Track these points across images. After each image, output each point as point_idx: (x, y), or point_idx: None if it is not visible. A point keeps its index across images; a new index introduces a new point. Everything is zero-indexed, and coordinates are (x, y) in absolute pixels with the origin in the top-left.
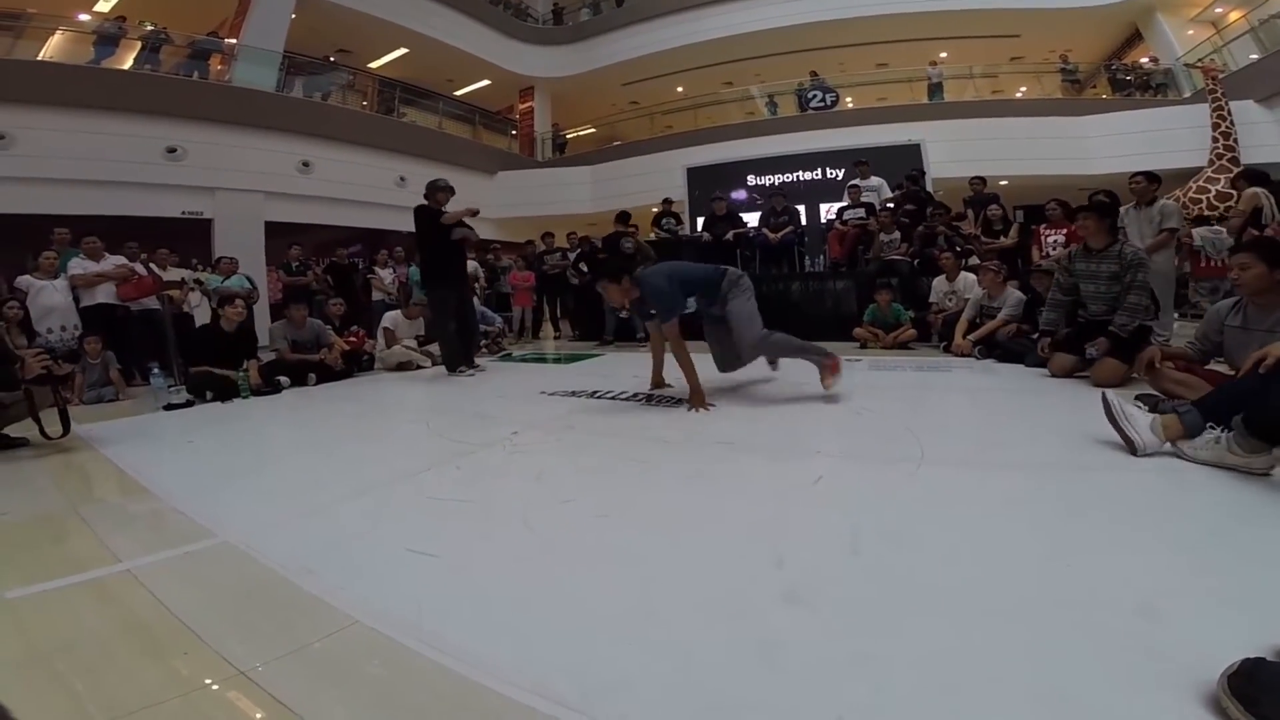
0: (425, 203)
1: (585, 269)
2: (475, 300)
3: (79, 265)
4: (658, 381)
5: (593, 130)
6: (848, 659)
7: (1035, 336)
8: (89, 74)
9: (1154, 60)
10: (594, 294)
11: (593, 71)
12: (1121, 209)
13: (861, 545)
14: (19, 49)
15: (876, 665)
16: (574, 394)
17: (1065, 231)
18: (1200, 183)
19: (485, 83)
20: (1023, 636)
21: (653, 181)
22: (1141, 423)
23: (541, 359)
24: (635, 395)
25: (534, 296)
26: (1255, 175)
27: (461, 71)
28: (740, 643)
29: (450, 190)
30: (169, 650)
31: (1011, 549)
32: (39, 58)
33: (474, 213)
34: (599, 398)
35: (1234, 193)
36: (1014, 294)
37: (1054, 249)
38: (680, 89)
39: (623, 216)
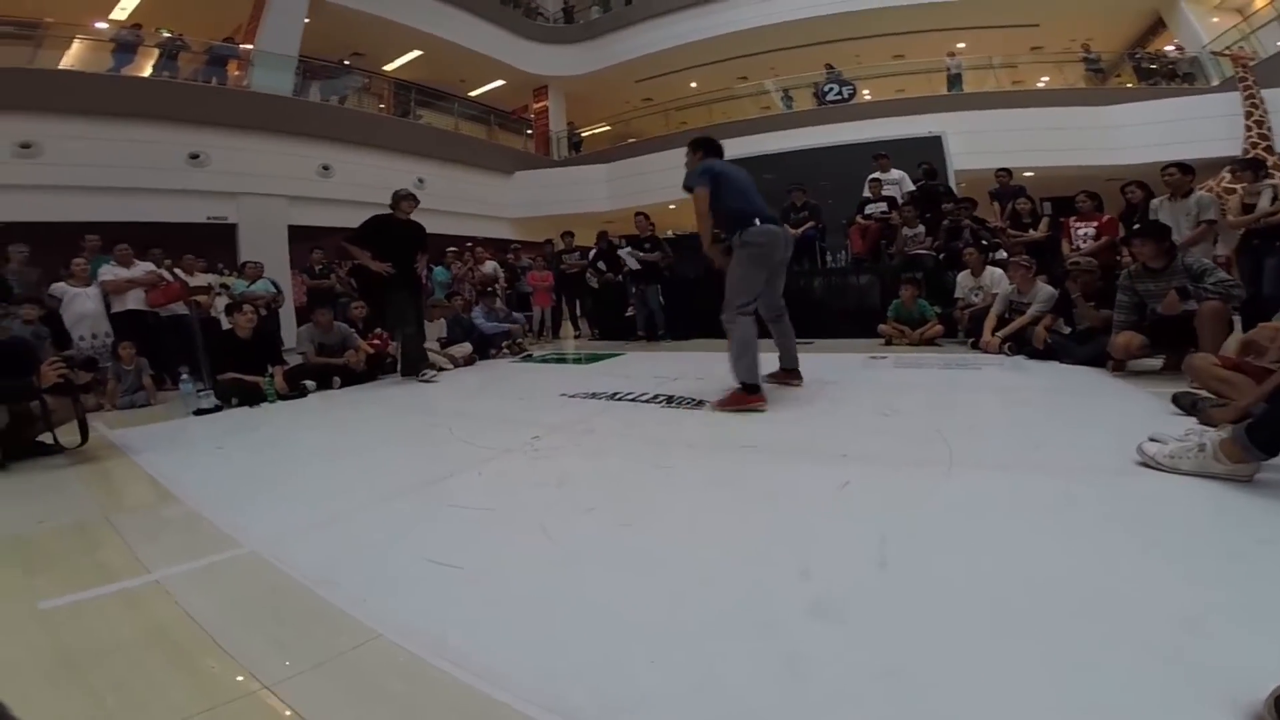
0: (390, 211)
1: (605, 268)
2: (498, 300)
3: (110, 271)
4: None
5: (607, 128)
6: (875, 673)
7: (1068, 333)
8: (110, 81)
9: (1179, 49)
10: (613, 293)
11: (605, 69)
12: (1154, 201)
13: (890, 554)
14: (40, 58)
15: (904, 680)
16: (594, 396)
17: (1096, 224)
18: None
19: (499, 83)
20: (1055, 651)
21: (670, 178)
22: (1189, 461)
23: (562, 359)
24: (656, 397)
25: (553, 296)
26: (1254, 164)
27: (475, 72)
28: (765, 656)
29: (414, 200)
30: (196, 663)
31: (1044, 559)
32: (59, 67)
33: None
34: (619, 399)
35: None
36: (1044, 289)
37: (1084, 241)
38: (694, 84)
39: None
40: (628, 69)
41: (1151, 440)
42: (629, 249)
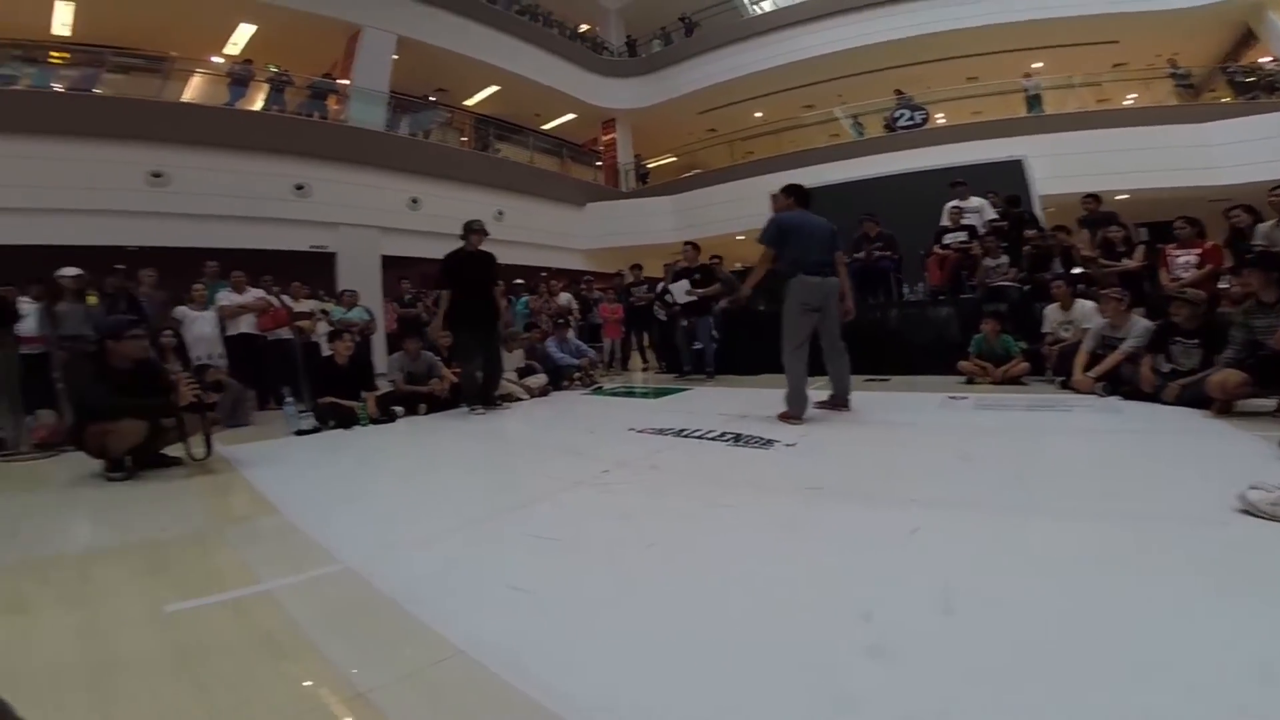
0: (462, 245)
1: (671, 300)
2: (570, 332)
3: (225, 297)
4: None
5: (674, 159)
6: (925, 715)
7: (1167, 371)
8: (227, 114)
9: (1276, 60)
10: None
11: (667, 101)
12: (1260, 226)
13: (956, 603)
14: (167, 91)
15: None
16: (661, 432)
17: (1198, 251)
18: None
19: (570, 116)
20: (1119, 701)
21: (736, 209)
22: None
23: (630, 393)
24: (723, 435)
25: (622, 328)
26: None
27: (547, 106)
28: (817, 699)
29: (483, 232)
30: (298, 669)
31: (1116, 611)
32: (181, 99)
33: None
34: (685, 436)
35: None
36: (1140, 322)
37: (1184, 271)
38: (759, 114)
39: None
40: (689, 101)
41: (1254, 488)
42: (684, 282)
